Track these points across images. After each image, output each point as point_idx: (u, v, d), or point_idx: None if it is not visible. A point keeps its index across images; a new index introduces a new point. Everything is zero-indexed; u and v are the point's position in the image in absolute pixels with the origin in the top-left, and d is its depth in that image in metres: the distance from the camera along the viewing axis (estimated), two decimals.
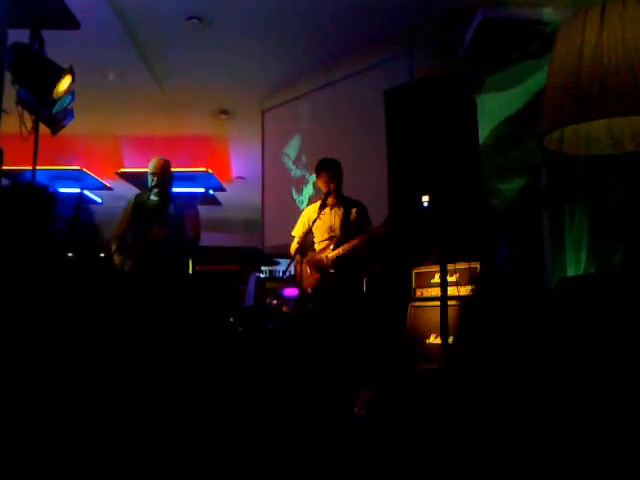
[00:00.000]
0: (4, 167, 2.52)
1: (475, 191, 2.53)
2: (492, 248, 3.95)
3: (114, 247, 3.83)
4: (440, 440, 2.39)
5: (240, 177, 8.16)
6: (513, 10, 3.82)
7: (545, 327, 2.88)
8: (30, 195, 3.67)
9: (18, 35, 3.16)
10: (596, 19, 1.94)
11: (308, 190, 5.52)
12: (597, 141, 2.24)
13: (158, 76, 5.43)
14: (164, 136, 6.80)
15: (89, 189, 7.52)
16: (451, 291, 3.38)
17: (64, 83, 3.38)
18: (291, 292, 5.73)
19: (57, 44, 3.30)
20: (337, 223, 3.67)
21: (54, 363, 3.22)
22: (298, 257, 3.63)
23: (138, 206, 3.86)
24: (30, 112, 3.28)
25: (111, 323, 3.62)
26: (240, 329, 4.73)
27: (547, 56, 2.84)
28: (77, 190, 7.16)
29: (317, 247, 3.75)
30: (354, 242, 3.51)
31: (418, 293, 4.05)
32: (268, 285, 6.14)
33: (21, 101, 3.22)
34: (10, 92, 3.07)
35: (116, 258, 3.80)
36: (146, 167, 3.97)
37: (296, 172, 5.71)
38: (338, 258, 3.57)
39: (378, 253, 3.65)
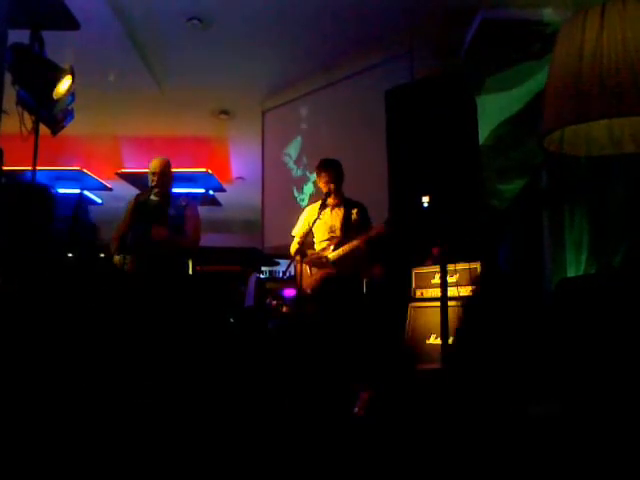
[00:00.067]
0: (4, 167, 2.53)
1: (475, 191, 2.53)
2: (492, 249, 3.95)
3: (114, 247, 3.82)
4: (440, 440, 2.39)
5: (240, 177, 8.17)
6: (513, 11, 3.83)
7: (545, 328, 2.88)
8: (30, 195, 3.67)
9: (18, 35, 3.16)
10: (596, 19, 1.94)
11: (309, 188, 5.53)
12: (597, 142, 2.24)
13: (158, 76, 5.43)
14: (164, 136, 6.80)
15: (89, 189, 7.51)
16: (451, 291, 3.38)
17: (64, 83, 3.38)
18: (291, 292, 5.73)
19: (57, 44, 3.30)
20: (338, 223, 3.67)
21: (54, 363, 3.22)
22: (298, 257, 3.63)
23: (138, 206, 3.86)
24: (30, 112, 3.28)
25: (111, 323, 3.61)
26: (240, 329, 4.73)
27: (547, 57, 2.84)
28: (77, 190, 7.15)
29: (317, 247, 3.75)
30: (354, 242, 3.51)
31: (418, 293, 4.05)
32: (268, 285, 6.14)
33: (21, 101, 3.22)
34: (10, 93, 3.07)
35: (116, 258, 3.80)
36: (146, 167, 3.97)
37: (297, 172, 5.72)
38: (338, 258, 3.56)
39: (378, 253, 3.65)
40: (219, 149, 7.34)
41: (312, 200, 5.01)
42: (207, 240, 4.30)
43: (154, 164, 3.89)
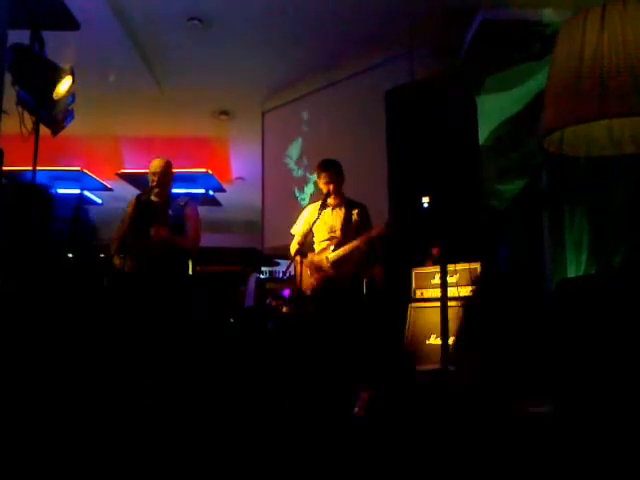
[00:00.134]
0: (4, 168, 2.52)
1: (475, 192, 2.53)
2: (492, 249, 3.96)
3: (114, 248, 3.82)
4: (440, 441, 2.39)
5: (240, 178, 8.16)
6: (513, 11, 3.83)
7: (545, 328, 2.88)
8: (29, 195, 3.68)
9: (18, 36, 3.16)
10: (597, 20, 1.94)
11: (309, 188, 5.53)
12: (597, 142, 2.24)
13: (158, 77, 5.43)
14: (164, 137, 6.80)
15: (89, 190, 7.51)
16: (451, 292, 3.38)
17: (64, 84, 3.38)
18: (291, 293, 5.73)
19: (57, 45, 3.30)
20: (338, 224, 3.67)
21: (54, 363, 3.22)
22: (298, 258, 3.63)
23: (139, 207, 3.86)
24: (30, 113, 3.28)
25: (111, 323, 3.61)
26: (240, 329, 4.73)
27: (547, 57, 2.85)
28: (77, 191, 7.15)
29: (317, 247, 3.75)
30: (355, 243, 3.51)
31: (418, 294, 4.05)
32: (268, 286, 6.14)
33: (21, 102, 3.22)
34: (10, 93, 3.07)
35: (116, 259, 3.80)
36: (146, 168, 3.97)
37: (298, 172, 5.72)
38: (338, 259, 3.56)
39: (378, 254, 3.65)
40: (219, 149, 7.34)
41: (313, 200, 5.01)
42: (207, 240, 4.30)
43: (155, 164, 3.89)
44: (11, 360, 2.93)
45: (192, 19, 4.44)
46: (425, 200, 2.49)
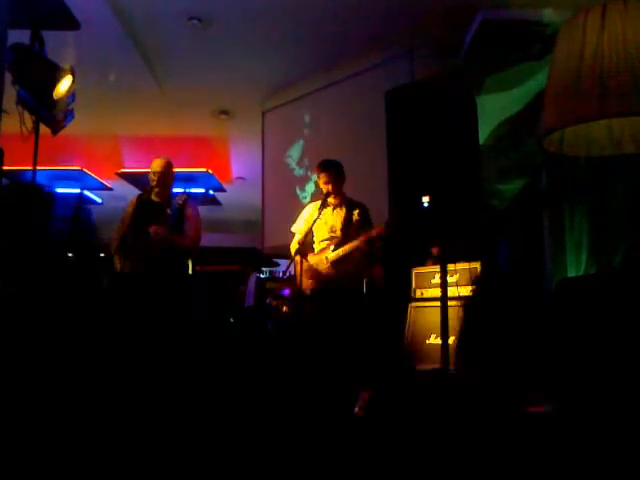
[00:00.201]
0: (4, 167, 2.52)
1: (475, 192, 2.53)
2: (492, 249, 3.96)
3: (114, 247, 3.83)
4: (440, 441, 2.39)
5: (240, 177, 8.16)
6: (513, 11, 3.83)
7: (545, 328, 2.88)
8: (28, 195, 3.68)
9: (18, 35, 3.16)
10: (597, 19, 1.94)
11: (310, 187, 5.54)
12: (597, 142, 2.24)
13: (158, 76, 5.43)
14: (164, 136, 6.80)
15: (89, 189, 7.51)
16: (451, 291, 3.38)
17: (64, 83, 3.38)
18: (291, 292, 5.73)
19: (57, 44, 3.30)
20: (339, 224, 3.66)
21: (54, 363, 3.22)
22: (298, 258, 3.63)
23: (139, 206, 3.86)
24: (30, 112, 3.28)
25: (111, 323, 3.61)
26: (240, 329, 4.74)
27: (547, 57, 2.85)
28: (77, 190, 7.15)
29: (317, 247, 3.74)
30: (355, 243, 3.51)
31: (418, 293, 4.06)
32: (268, 285, 6.15)
33: (21, 101, 3.22)
34: (10, 92, 3.07)
35: (116, 258, 3.80)
36: (146, 167, 3.97)
37: (299, 171, 5.73)
38: (338, 259, 3.56)
39: (378, 254, 3.65)
40: (219, 149, 7.34)
41: (314, 198, 5.02)
42: (207, 240, 4.30)
43: (156, 164, 3.89)
44: (11, 360, 2.93)
45: (192, 19, 4.44)
46: (425, 200, 2.49)
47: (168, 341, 3.52)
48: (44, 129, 3.41)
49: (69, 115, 3.58)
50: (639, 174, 2.92)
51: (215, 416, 3.07)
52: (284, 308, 5.78)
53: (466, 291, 3.63)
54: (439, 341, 3.54)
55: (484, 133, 3.93)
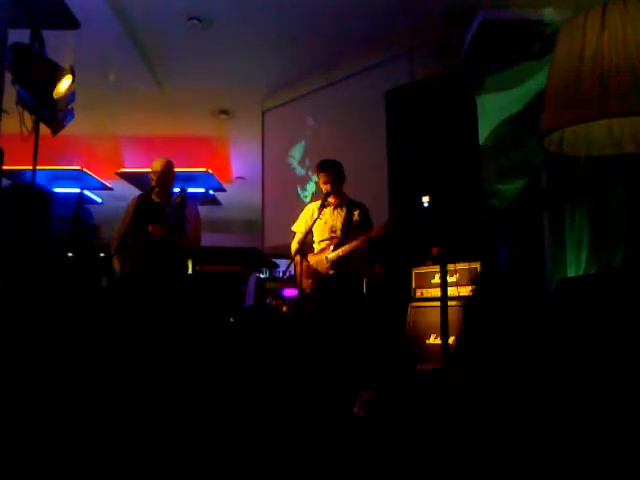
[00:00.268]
0: (4, 167, 2.52)
1: (475, 191, 2.53)
2: (492, 248, 3.96)
3: (115, 247, 3.82)
4: (440, 441, 2.39)
5: (240, 177, 8.17)
6: (514, 11, 3.82)
7: (545, 328, 2.88)
8: (29, 195, 3.68)
9: (18, 35, 3.16)
10: (597, 19, 1.94)
11: (311, 187, 5.54)
12: (597, 142, 2.24)
13: (158, 76, 5.43)
14: (164, 136, 6.81)
15: (89, 189, 7.52)
16: (451, 291, 3.38)
17: (64, 83, 3.38)
18: (291, 292, 5.73)
19: (57, 44, 3.30)
20: (339, 224, 3.66)
21: (54, 363, 3.22)
22: (298, 258, 3.63)
23: (139, 206, 3.86)
24: (30, 112, 3.28)
25: (111, 323, 3.61)
26: (240, 329, 4.73)
27: (547, 57, 2.84)
28: (77, 190, 7.16)
29: (316, 247, 3.74)
30: (355, 243, 3.51)
31: (418, 293, 4.05)
32: (268, 285, 6.14)
33: (21, 101, 3.22)
34: (10, 92, 3.07)
35: (116, 258, 3.80)
36: (146, 167, 3.97)
37: (300, 171, 5.73)
38: (338, 259, 3.56)
39: (378, 254, 3.65)
40: (219, 149, 7.34)
41: (314, 198, 5.02)
42: (207, 240, 4.30)
43: (156, 164, 3.89)
44: (11, 360, 2.93)
45: (192, 19, 4.44)
46: (425, 200, 2.50)
47: (168, 341, 3.51)
48: (44, 129, 3.41)
49: (69, 115, 3.58)
50: (639, 174, 2.92)
51: (215, 416, 3.06)
52: (284, 308, 5.78)
53: (466, 291, 3.63)
54: (439, 341, 3.54)
55: (484, 133, 3.92)
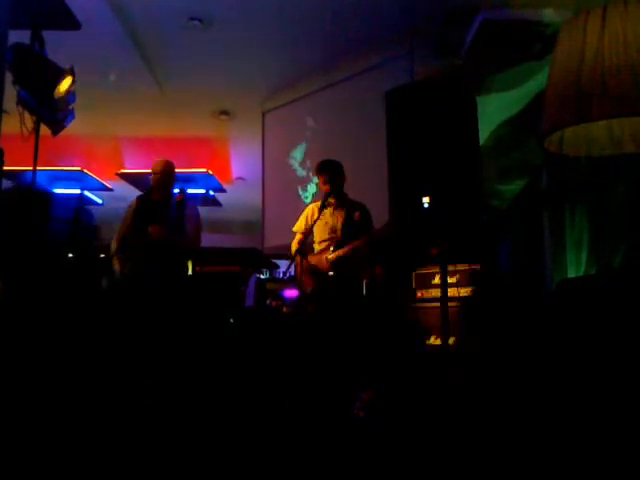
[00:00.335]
0: (5, 168, 2.52)
1: (475, 192, 2.53)
2: (493, 249, 3.96)
3: (115, 248, 3.83)
4: (440, 441, 2.39)
5: (240, 178, 8.17)
6: (514, 11, 3.83)
7: (546, 328, 2.88)
8: (28, 197, 3.68)
9: (19, 35, 3.16)
10: (597, 20, 1.94)
11: (312, 188, 5.54)
12: (597, 142, 2.24)
13: (158, 77, 5.43)
14: (164, 137, 6.81)
15: (89, 190, 7.51)
16: (451, 292, 3.38)
17: (65, 84, 3.38)
18: (291, 293, 5.73)
19: (58, 45, 3.30)
20: (339, 224, 3.66)
21: (54, 363, 3.22)
22: (298, 258, 3.63)
23: (140, 207, 3.86)
24: (31, 113, 3.28)
25: (111, 324, 3.61)
26: (240, 329, 4.73)
27: (548, 57, 2.85)
28: (77, 191, 7.15)
29: (317, 248, 3.74)
30: (355, 244, 3.51)
31: (418, 294, 4.05)
32: (268, 286, 6.13)
33: (22, 101, 3.22)
34: (11, 93, 3.07)
35: (116, 259, 3.80)
36: (146, 168, 3.97)
37: (301, 172, 5.74)
38: (338, 259, 3.56)
39: (379, 255, 3.65)
40: (219, 149, 7.34)
41: (315, 199, 5.02)
42: (207, 240, 4.30)
43: (156, 165, 3.89)
44: (11, 360, 2.93)
45: (192, 19, 4.44)
46: (425, 200, 2.50)
47: (168, 342, 3.51)
48: (44, 129, 3.41)
49: (69, 115, 3.58)
50: (639, 174, 2.92)
51: (215, 416, 3.06)
52: (284, 309, 5.77)
53: (466, 292, 3.63)
54: (439, 342, 3.54)
55: (484, 133, 3.93)
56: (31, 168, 3.35)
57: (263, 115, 6.14)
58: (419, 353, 3.76)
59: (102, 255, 4.69)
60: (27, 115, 3.25)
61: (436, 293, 3.82)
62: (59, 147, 5.00)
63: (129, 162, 7.37)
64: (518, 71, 4.01)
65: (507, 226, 4.02)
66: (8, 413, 2.62)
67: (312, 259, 3.69)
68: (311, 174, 5.53)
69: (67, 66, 3.38)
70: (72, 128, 3.67)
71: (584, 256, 3.35)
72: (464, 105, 2.57)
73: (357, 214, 3.65)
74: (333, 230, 3.68)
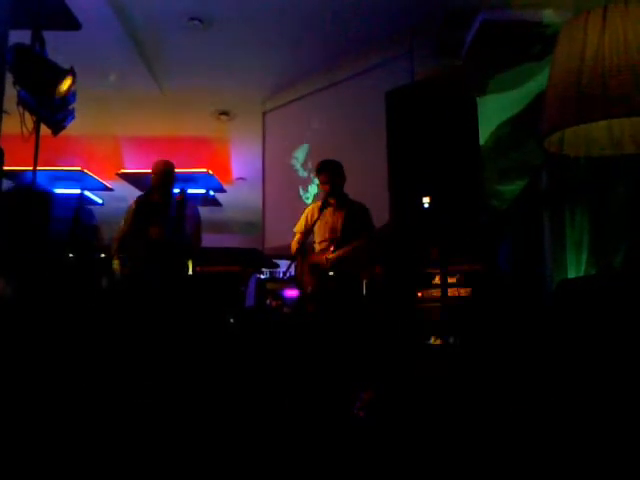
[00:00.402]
0: (5, 167, 2.53)
1: (476, 192, 2.54)
2: (493, 249, 3.96)
3: (115, 248, 3.83)
4: (440, 441, 2.39)
5: (241, 178, 8.17)
6: (514, 12, 3.83)
7: (546, 328, 2.88)
8: (28, 197, 3.68)
9: (19, 36, 3.16)
10: (598, 20, 1.94)
11: (313, 188, 5.55)
12: (597, 142, 2.24)
13: (159, 77, 5.43)
14: (165, 137, 6.81)
15: (90, 190, 7.51)
16: (451, 292, 3.39)
17: (65, 84, 3.38)
18: (291, 293, 5.73)
19: (58, 45, 3.30)
20: (339, 224, 3.66)
21: (54, 363, 3.22)
22: (299, 258, 3.63)
23: (140, 207, 3.86)
24: (31, 113, 3.28)
25: (111, 324, 3.61)
26: (240, 329, 4.73)
27: (547, 58, 2.85)
28: (78, 191, 7.15)
29: (317, 247, 3.75)
30: (355, 244, 3.51)
31: (419, 294, 4.05)
32: (268, 286, 6.14)
33: (22, 102, 3.22)
34: (11, 93, 3.07)
35: (116, 259, 3.80)
36: (147, 168, 3.97)
37: (303, 173, 5.74)
38: (338, 259, 3.56)
39: (379, 255, 3.65)
40: (220, 150, 7.34)
41: (316, 199, 5.02)
42: (207, 240, 4.30)
43: (157, 165, 3.89)
44: (12, 360, 2.93)
45: (192, 19, 4.44)
46: (426, 200, 2.50)
47: (168, 342, 3.51)
48: (44, 129, 3.41)
49: (69, 115, 3.58)
50: (639, 174, 2.92)
51: (215, 416, 3.06)
52: (284, 309, 5.78)
53: (466, 292, 3.63)
54: (439, 342, 3.54)
55: (484, 134, 3.93)
56: (31, 168, 3.35)
57: (263, 115, 6.14)
58: (419, 353, 3.76)
59: (102, 255, 4.69)
60: (27, 115, 3.25)
61: (436, 293, 3.82)
62: (59, 147, 5.00)
63: (129, 162, 7.37)
64: (518, 72, 4.01)
65: (507, 226, 4.02)
66: (8, 413, 2.63)
67: (312, 259, 3.69)
68: (312, 175, 5.53)
69: (67, 66, 3.39)
70: (72, 128, 3.67)
71: (584, 256, 3.36)
72: (464, 105, 2.58)
73: (358, 214, 3.64)
74: (333, 230, 3.68)
